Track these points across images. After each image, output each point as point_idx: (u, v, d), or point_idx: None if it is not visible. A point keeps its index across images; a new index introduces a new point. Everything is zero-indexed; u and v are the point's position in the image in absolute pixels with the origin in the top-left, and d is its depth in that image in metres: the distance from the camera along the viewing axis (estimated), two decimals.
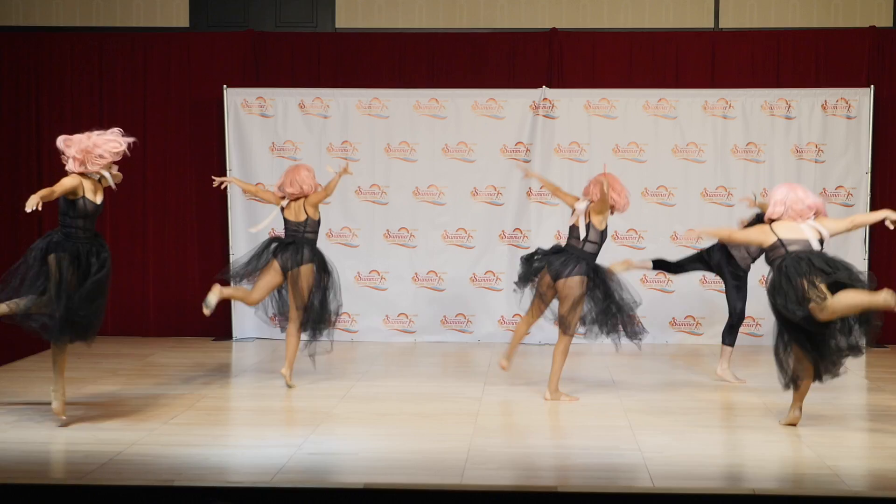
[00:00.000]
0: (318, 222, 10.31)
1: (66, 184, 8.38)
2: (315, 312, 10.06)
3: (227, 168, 12.83)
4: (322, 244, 12.76)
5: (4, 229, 13.33)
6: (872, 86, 12.62)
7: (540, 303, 9.76)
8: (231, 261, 11.96)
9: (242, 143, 12.90)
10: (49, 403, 8.47)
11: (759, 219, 10.64)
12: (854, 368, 11.36)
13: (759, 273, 12.54)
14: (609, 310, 9.62)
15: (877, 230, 12.76)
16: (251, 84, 13.08)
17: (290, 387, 9.97)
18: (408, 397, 9.74)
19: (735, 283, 10.48)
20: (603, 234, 9.65)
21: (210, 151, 13.13)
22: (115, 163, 8.69)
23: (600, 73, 13.07)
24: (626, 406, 9.35)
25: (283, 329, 10.33)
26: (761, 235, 8.79)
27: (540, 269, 9.68)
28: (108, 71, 13.25)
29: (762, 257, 9.95)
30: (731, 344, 10.58)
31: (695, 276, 12.57)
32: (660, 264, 10.92)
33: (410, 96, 12.89)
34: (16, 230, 13.32)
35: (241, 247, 12.81)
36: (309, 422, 8.65)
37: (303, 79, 13.15)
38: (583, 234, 9.54)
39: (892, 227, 8.47)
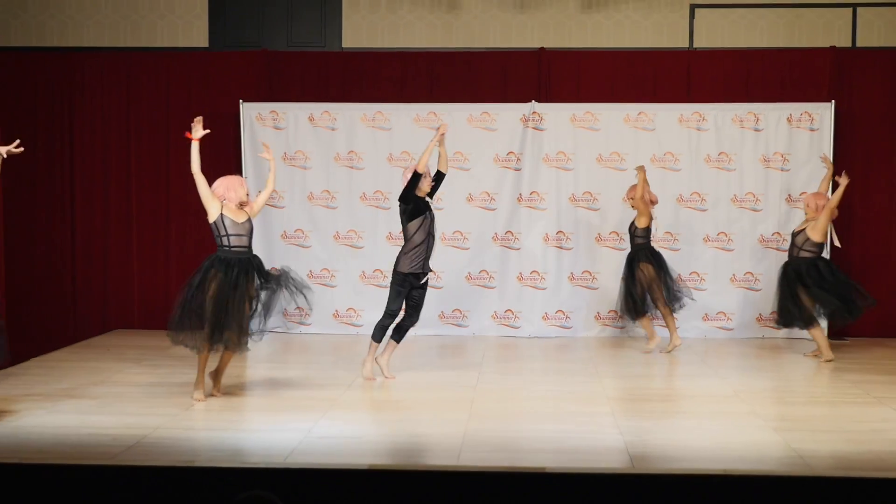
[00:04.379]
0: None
1: None
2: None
3: (243, 175, 12.84)
4: (330, 245, 12.87)
5: (41, 236, 13.32)
6: (833, 100, 12.62)
7: None
8: None
9: (257, 152, 12.88)
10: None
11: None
12: (816, 360, 11.38)
13: (730, 271, 12.58)
14: None
15: (838, 231, 12.78)
16: (265, 99, 13.08)
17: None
18: (408, 386, 9.75)
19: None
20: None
21: (227, 160, 13.12)
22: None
23: (585, 88, 13.07)
24: (609, 394, 9.36)
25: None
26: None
27: None
28: (135, 87, 13.26)
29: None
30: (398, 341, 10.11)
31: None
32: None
33: (411, 110, 12.89)
34: (51, 237, 13.33)
35: (256, 248, 12.79)
36: (318, 408, 8.64)
37: (312, 94, 13.15)
38: None
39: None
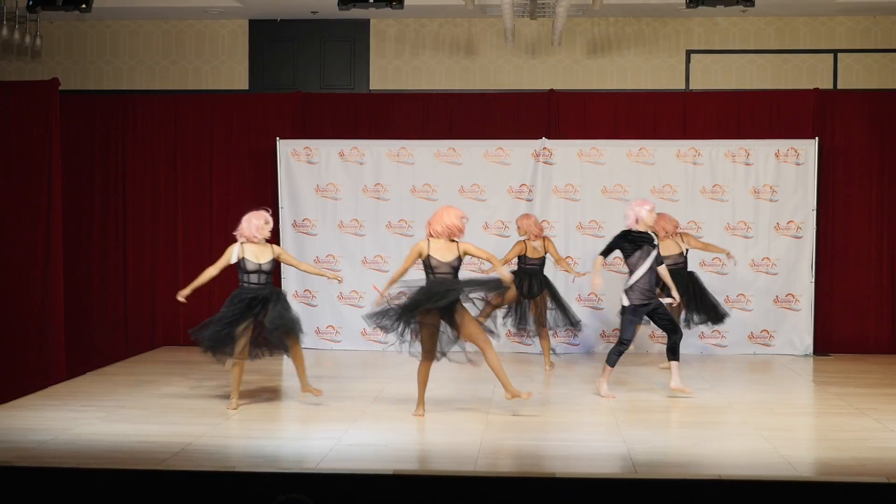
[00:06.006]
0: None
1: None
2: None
3: (280, 206, 12.89)
4: (358, 270, 12.86)
5: (97, 261, 13.40)
6: (817, 137, 12.61)
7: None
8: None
9: (292, 185, 12.95)
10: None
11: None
12: (803, 374, 11.34)
13: (724, 293, 12.51)
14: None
15: (822, 256, 12.75)
16: (299, 136, 13.14)
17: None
18: (430, 398, 9.69)
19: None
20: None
21: (265, 192, 13.18)
22: None
23: (590, 126, 13.09)
24: (613, 406, 9.33)
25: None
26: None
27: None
28: (182, 125, 13.35)
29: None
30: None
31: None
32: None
33: (432, 146, 12.92)
34: (105, 262, 13.39)
35: (290, 272, 12.86)
36: (347, 418, 8.65)
37: (342, 131, 13.21)
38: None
39: None
